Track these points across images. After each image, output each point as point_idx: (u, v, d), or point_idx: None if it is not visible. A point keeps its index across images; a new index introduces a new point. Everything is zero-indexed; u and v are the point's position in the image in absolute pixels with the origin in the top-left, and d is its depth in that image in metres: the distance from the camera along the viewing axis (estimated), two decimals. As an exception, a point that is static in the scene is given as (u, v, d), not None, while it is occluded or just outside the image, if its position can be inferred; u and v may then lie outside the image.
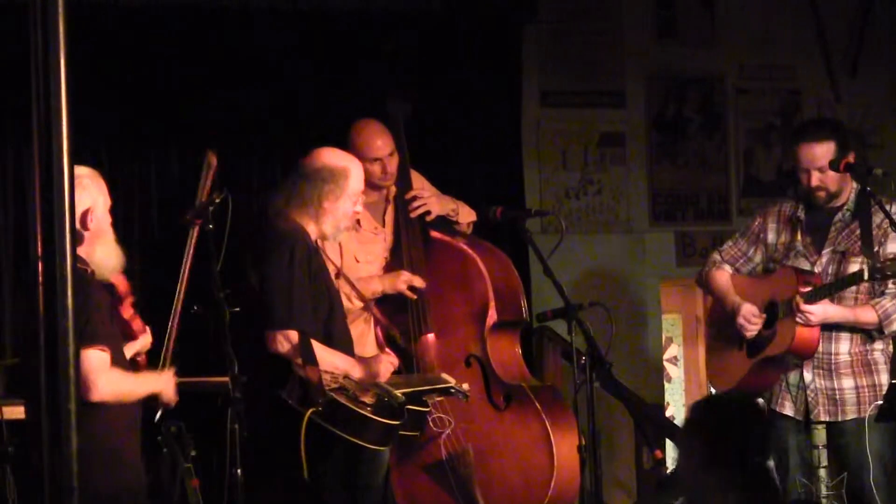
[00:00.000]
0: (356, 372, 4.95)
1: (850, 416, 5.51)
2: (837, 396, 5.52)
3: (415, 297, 5.65)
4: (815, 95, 8.21)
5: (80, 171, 4.40)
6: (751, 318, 5.60)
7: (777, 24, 8.09)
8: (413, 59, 6.22)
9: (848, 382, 5.54)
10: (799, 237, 5.63)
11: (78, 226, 4.32)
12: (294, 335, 4.82)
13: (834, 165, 5.50)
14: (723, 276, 5.80)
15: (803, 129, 5.69)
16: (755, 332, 5.63)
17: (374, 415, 4.80)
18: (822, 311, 5.46)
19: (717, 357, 5.90)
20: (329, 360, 4.87)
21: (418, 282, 5.64)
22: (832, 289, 5.46)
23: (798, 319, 5.47)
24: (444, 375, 5.31)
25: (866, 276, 5.35)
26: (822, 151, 5.49)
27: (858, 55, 8.21)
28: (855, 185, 5.58)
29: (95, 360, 4.25)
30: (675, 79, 7.92)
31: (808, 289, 5.46)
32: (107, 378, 4.30)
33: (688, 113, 7.96)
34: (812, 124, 5.72)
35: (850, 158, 5.52)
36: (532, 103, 7.51)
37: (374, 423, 4.80)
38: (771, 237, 5.71)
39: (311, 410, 4.65)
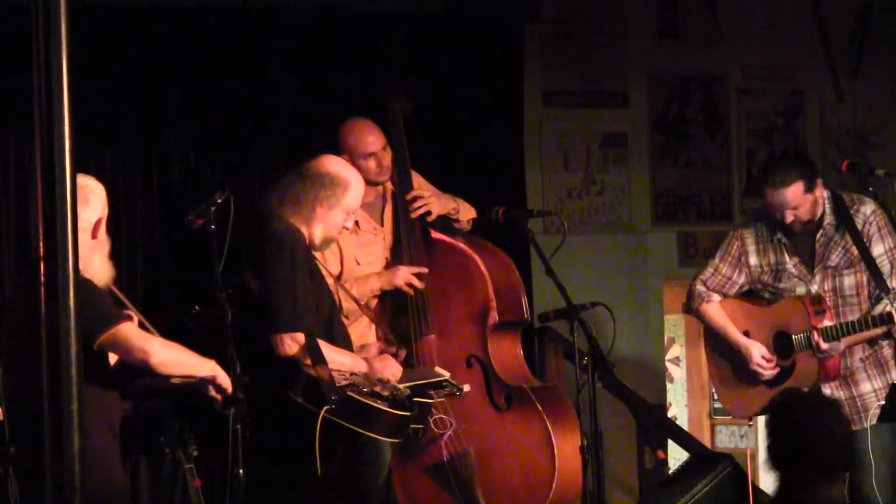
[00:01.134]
0: (361, 369, 4.95)
1: (875, 420, 5.52)
2: (859, 403, 5.54)
3: (412, 292, 5.64)
4: (817, 95, 8.21)
5: (91, 180, 4.42)
6: (764, 364, 5.62)
7: (779, 25, 8.08)
8: (414, 58, 6.22)
9: (866, 387, 5.55)
10: (787, 258, 5.63)
11: (89, 235, 4.35)
12: (301, 337, 4.82)
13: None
14: (715, 308, 5.76)
15: (769, 172, 5.64)
16: (772, 375, 5.64)
17: (387, 407, 4.81)
18: (842, 344, 5.48)
19: (732, 387, 5.85)
20: (336, 358, 4.87)
21: (417, 282, 5.63)
22: (854, 327, 5.46)
23: (821, 356, 5.49)
24: (438, 369, 5.30)
25: (869, 323, 5.40)
26: (791, 194, 5.50)
27: (860, 55, 8.21)
28: (827, 193, 5.58)
29: (133, 329, 4.28)
30: (678, 79, 7.92)
31: (826, 323, 5.46)
32: (158, 342, 4.32)
33: (690, 113, 7.95)
34: (777, 167, 5.66)
35: (818, 186, 5.51)
36: (534, 103, 7.50)
37: (387, 414, 4.81)
38: (753, 259, 5.70)
39: (325, 408, 4.65)
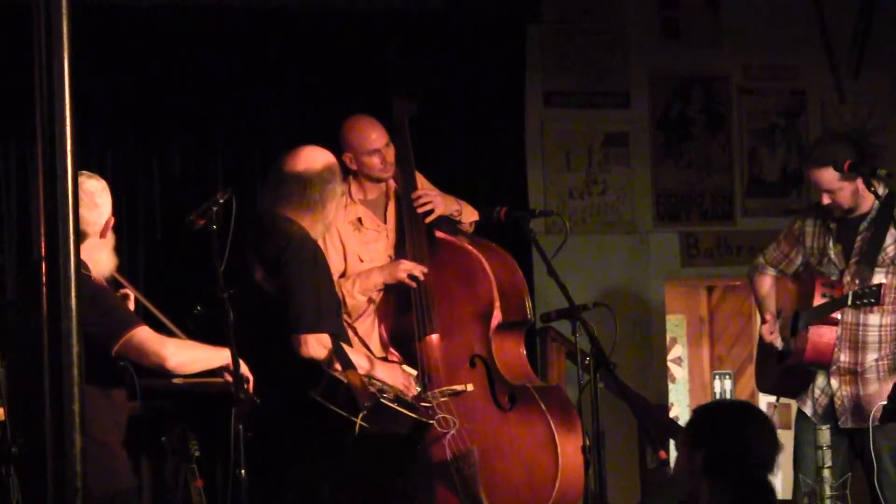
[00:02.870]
0: (377, 372, 4.96)
1: (876, 420, 5.52)
2: (863, 403, 5.54)
3: (415, 285, 5.63)
4: (819, 95, 8.20)
5: (96, 182, 4.44)
6: (766, 336, 5.73)
7: (781, 24, 8.08)
8: (416, 59, 6.22)
9: (873, 388, 5.56)
10: (831, 245, 5.66)
11: (99, 235, 4.38)
12: (326, 339, 4.80)
13: (839, 168, 5.52)
14: (765, 281, 5.92)
15: (810, 150, 5.79)
16: (777, 345, 5.76)
17: (415, 414, 4.83)
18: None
19: (761, 361, 6.01)
20: (357, 361, 4.87)
21: (419, 271, 5.62)
22: (822, 311, 5.52)
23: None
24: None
25: (850, 301, 5.43)
26: (824, 177, 5.55)
27: (862, 55, 8.20)
28: (884, 189, 5.59)
29: (147, 334, 4.32)
30: (680, 79, 7.92)
31: (824, 300, 5.52)
32: (173, 344, 4.36)
33: (692, 113, 7.95)
34: (818, 146, 5.77)
35: (852, 161, 5.53)
36: (536, 104, 7.50)
37: (412, 420, 4.82)
38: (808, 240, 5.77)
39: (361, 414, 4.64)
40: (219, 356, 4.48)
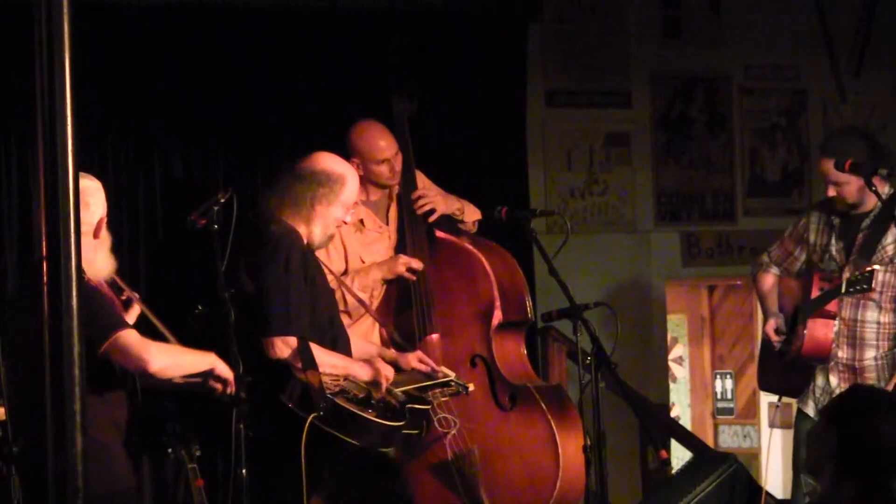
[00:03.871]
0: (355, 372, 4.94)
1: None
2: None
3: (414, 278, 5.63)
4: (820, 95, 8.21)
5: (88, 181, 4.44)
6: (771, 335, 5.73)
7: (782, 24, 8.09)
8: (417, 58, 6.22)
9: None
10: (833, 241, 5.67)
11: (91, 236, 4.38)
12: (293, 341, 4.80)
13: (839, 167, 5.53)
14: (768, 279, 5.91)
15: (825, 140, 5.82)
16: (780, 345, 5.76)
17: (376, 417, 4.80)
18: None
19: (763, 359, 6.00)
20: (329, 361, 4.86)
21: (417, 263, 5.62)
22: (819, 302, 5.54)
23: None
24: (444, 369, 5.30)
25: (843, 289, 5.43)
26: (827, 168, 5.56)
27: (863, 55, 8.21)
28: (888, 190, 5.60)
29: (132, 337, 4.32)
30: (681, 78, 7.92)
31: (817, 294, 5.54)
32: (156, 348, 4.36)
33: (693, 113, 7.95)
34: (831, 139, 5.83)
35: (855, 160, 5.54)
36: (537, 103, 7.50)
37: (376, 424, 4.80)
38: (812, 237, 5.77)
39: (312, 415, 4.64)
40: (203, 360, 4.48)
